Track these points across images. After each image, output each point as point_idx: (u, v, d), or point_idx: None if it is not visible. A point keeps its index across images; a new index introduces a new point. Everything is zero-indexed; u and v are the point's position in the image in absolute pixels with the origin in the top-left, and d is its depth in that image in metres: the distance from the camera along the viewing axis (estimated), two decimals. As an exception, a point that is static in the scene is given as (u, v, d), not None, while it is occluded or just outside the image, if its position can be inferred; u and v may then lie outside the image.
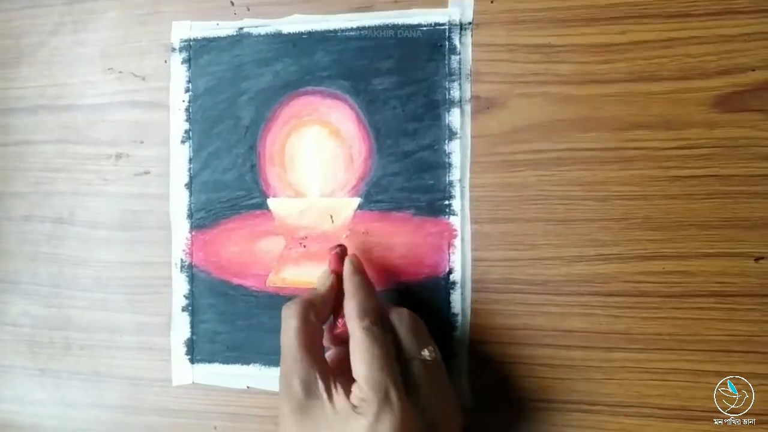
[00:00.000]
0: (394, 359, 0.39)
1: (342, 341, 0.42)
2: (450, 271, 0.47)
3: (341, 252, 0.46)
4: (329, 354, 0.44)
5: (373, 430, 0.37)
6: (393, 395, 0.37)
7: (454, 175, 0.46)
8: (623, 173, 0.44)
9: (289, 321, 0.41)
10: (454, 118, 0.46)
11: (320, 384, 0.39)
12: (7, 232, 0.57)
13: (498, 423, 0.46)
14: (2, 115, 0.57)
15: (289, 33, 0.50)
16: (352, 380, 0.39)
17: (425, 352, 0.41)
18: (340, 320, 0.43)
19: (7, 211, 0.57)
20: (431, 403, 0.39)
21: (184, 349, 0.52)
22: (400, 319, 0.42)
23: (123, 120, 0.54)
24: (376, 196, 0.48)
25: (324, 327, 0.44)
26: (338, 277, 0.44)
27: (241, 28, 0.51)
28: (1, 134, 0.57)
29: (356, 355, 0.39)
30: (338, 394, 0.39)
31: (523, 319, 0.46)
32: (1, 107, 0.57)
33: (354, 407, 0.38)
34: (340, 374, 0.40)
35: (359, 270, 0.44)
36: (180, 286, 0.52)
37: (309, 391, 0.39)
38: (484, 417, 0.46)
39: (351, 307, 0.41)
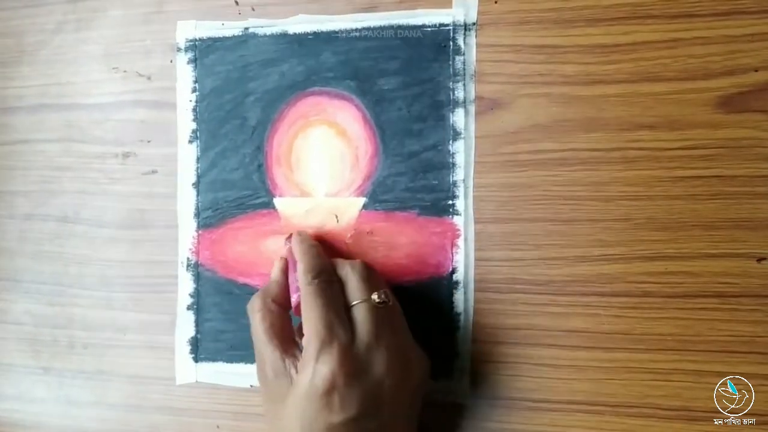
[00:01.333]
0: (341, 307, 0.41)
1: None
2: (453, 271, 0.47)
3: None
4: None
5: (314, 373, 0.38)
6: (332, 338, 0.39)
7: (458, 175, 0.46)
8: (627, 174, 0.44)
9: (252, 315, 0.43)
10: (458, 118, 0.46)
11: (287, 362, 0.41)
12: (9, 230, 0.57)
13: (500, 422, 0.46)
14: (4, 114, 0.57)
15: (295, 33, 0.50)
16: None
17: (374, 296, 0.42)
18: (294, 295, 0.44)
19: (9, 209, 0.57)
20: (384, 347, 0.40)
21: (189, 348, 0.52)
22: (353, 267, 0.43)
23: (129, 119, 0.54)
24: (381, 195, 0.48)
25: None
26: (287, 260, 0.47)
27: (246, 29, 0.51)
28: (3, 133, 0.57)
29: (303, 312, 0.41)
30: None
31: (526, 318, 0.46)
32: (2, 106, 0.57)
33: (303, 359, 0.39)
34: None
35: (304, 237, 0.46)
36: (186, 284, 0.52)
37: (277, 373, 0.41)
38: (487, 416, 0.47)
39: (298, 270, 0.43)
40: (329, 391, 0.37)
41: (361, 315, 0.41)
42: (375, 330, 0.40)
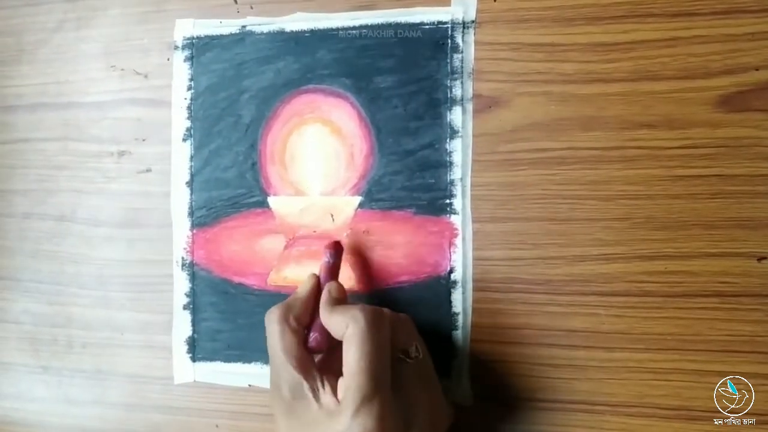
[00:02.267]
0: (388, 358, 0.39)
1: (321, 350, 0.43)
2: (451, 271, 0.47)
3: (334, 251, 0.45)
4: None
5: (353, 422, 0.37)
6: (376, 390, 0.37)
7: (456, 173, 0.46)
8: (626, 173, 0.44)
9: (271, 327, 0.42)
10: (455, 116, 0.46)
11: (305, 384, 0.40)
12: (7, 229, 0.57)
13: (499, 423, 0.46)
14: (3, 112, 0.57)
15: (292, 31, 0.49)
16: (340, 377, 0.39)
17: (412, 349, 0.41)
18: (313, 334, 0.43)
19: (8, 208, 0.57)
20: (416, 402, 0.40)
21: (186, 348, 0.52)
22: (395, 318, 0.42)
23: (125, 117, 0.54)
24: (377, 194, 0.48)
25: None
26: (318, 280, 0.45)
27: (243, 26, 0.50)
28: (2, 132, 0.57)
29: (348, 351, 0.39)
30: (325, 392, 0.39)
31: (525, 318, 0.46)
32: (1, 105, 0.57)
33: (338, 402, 0.38)
34: (327, 372, 0.40)
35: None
36: (181, 284, 0.52)
37: (295, 392, 0.40)
38: (486, 416, 0.46)
39: (338, 314, 0.41)
40: None
41: (401, 370, 0.40)
42: (414, 388, 0.40)
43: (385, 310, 0.41)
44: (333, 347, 0.42)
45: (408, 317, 0.43)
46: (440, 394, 0.43)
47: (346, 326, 0.39)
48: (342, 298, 0.44)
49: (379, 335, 0.39)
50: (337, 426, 0.37)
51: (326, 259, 0.45)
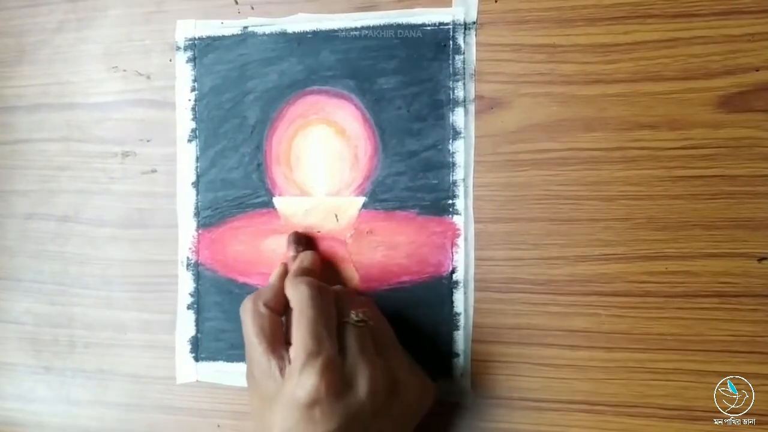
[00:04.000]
0: (333, 320, 0.41)
1: None
2: (453, 271, 0.47)
3: (296, 243, 0.48)
4: None
5: (297, 383, 0.38)
6: (320, 349, 0.39)
7: (458, 174, 0.46)
8: (627, 173, 0.44)
9: (243, 316, 0.43)
10: (458, 117, 0.46)
11: (273, 364, 0.40)
12: (9, 229, 0.57)
13: (500, 422, 0.46)
14: (4, 113, 0.57)
15: (294, 32, 0.50)
16: None
17: (353, 315, 0.42)
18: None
19: (9, 208, 0.57)
20: (365, 367, 0.40)
21: (189, 347, 0.52)
22: (338, 289, 0.45)
23: (129, 118, 0.54)
24: (381, 195, 0.48)
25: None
26: (286, 267, 0.47)
27: (245, 27, 0.51)
28: (3, 132, 0.57)
29: (294, 317, 0.41)
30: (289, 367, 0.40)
31: (526, 318, 0.46)
32: (2, 105, 0.57)
33: (290, 367, 0.39)
34: None
35: (304, 246, 0.49)
36: (186, 284, 0.52)
37: (263, 374, 0.40)
38: (487, 416, 0.47)
39: (290, 273, 0.44)
40: (311, 403, 0.37)
41: (348, 333, 0.41)
42: (360, 348, 0.41)
43: (334, 287, 0.44)
44: None
45: (352, 289, 0.47)
46: (408, 368, 0.43)
47: (292, 296, 0.42)
48: (313, 269, 0.46)
49: (320, 300, 0.41)
50: (288, 387, 0.38)
51: (291, 254, 0.48)
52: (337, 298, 0.43)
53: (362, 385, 0.39)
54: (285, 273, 0.46)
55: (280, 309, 0.43)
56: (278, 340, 0.42)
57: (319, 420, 0.38)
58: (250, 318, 0.42)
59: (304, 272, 0.45)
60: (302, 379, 0.38)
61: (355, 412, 0.39)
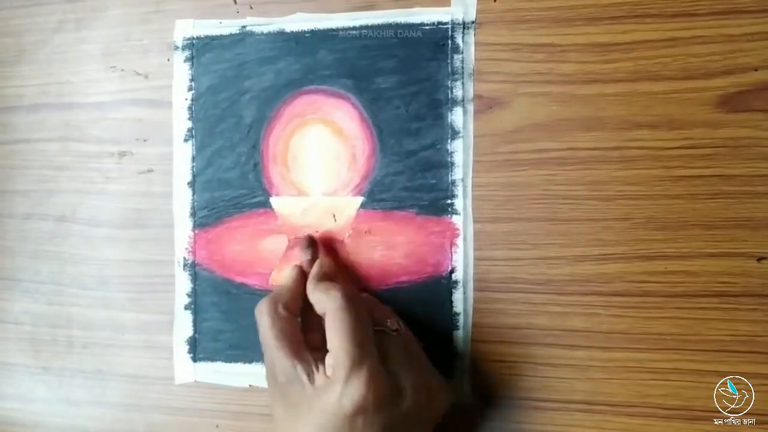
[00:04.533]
0: (371, 327, 0.41)
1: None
2: (452, 271, 0.47)
3: (309, 247, 0.47)
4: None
5: (343, 393, 0.37)
6: (364, 356, 0.38)
7: (457, 174, 0.46)
8: (626, 173, 0.44)
9: (261, 319, 0.42)
10: (456, 117, 0.46)
11: (299, 368, 0.40)
12: (8, 229, 0.57)
13: (500, 422, 0.46)
14: (3, 113, 0.57)
15: (292, 31, 0.49)
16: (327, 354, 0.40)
17: (390, 322, 0.42)
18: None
19: (8, 208, 0.57)
20: (404, 374, 0.40)
21: (187, 348, 0.52)
22: (366, 296, 0.45)
23: (126, 118, 0.54)
24: (379, 195, 0.48)
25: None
26: (302, 269, 0.46)
27: (244, 27, 0.50)
28: (2, 132, 0.57)
29: (331, 325, 0.40)
30: (318, 373, 0.40)
31: (526, 318, 0.46)
32: (2, 105, 0.57)
33: (327, 378, 0.39)
34: (320, 356, 0.41)
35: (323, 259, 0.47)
36: (183, 284, 0.52)
37: (289, 378, 0.40)
38: (486, 416, 0.46)
39: (318, 292, 0.42)
40: (356, 413, 0.37)
41: (384, 341, 0.41)
42: (399, 357, 0.40)
43: (364, 295, 0.45)
44: (319, 327, 0.42)
45: (377, 299, 0.46)
46: (432, 373, 0.43)
47: (324, 306, 0.41)
48: (330, 273, 0.45)
49: (357, 308, 0.40)
50: (330, 398, 0.38)
51: (306, 258, 0.47)
52: (367, 303, 0.43)
53: (407, 394, 0.39)
54: (301, 276, 0.45)
55: (298, 312, 0.43)
56: (300, 343, 0.41)
57: (361, 429, 0.37)
58: (268, 320, 0.41)
59: (326, 277, 0.45)
60: (348, 389, 0.37)
61: (397, 422, 0.38)
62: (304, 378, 0.39)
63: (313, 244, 0.48)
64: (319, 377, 0.39)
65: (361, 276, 0.48)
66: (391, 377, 0.39)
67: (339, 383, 0.37)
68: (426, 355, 0.44)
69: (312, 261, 0.46)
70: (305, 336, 0.43)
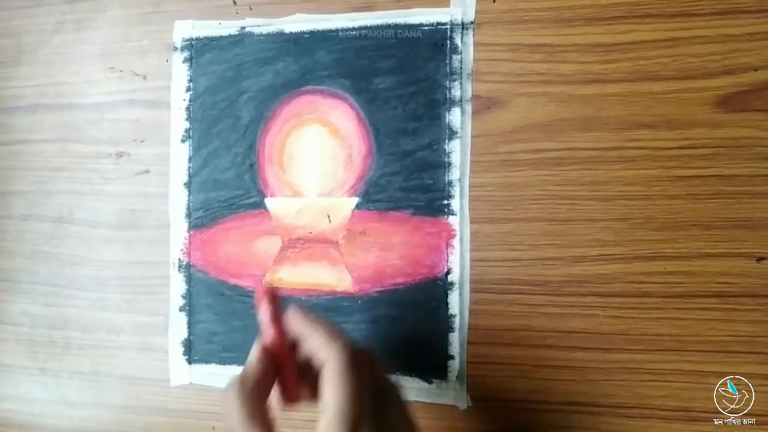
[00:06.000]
0: (368, 391, 0.37)
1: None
2: (448, 272, 0.46)
3: (271, 297, 0.40)
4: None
5: None
6: (361, 422, 0.35)
7: (454, 174, 0.46)
8: (625, 173, 0.44)
9: (228, 404, 0.37)
10: (454, 117, 0.46)
11: None
12: (6, 230, 0.57)
13: (497, 425, 0.46)
14: (2, 113, 0.57)
15: (291, 32, 0.49)
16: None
17: (386, 385, 0.39)
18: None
19: (7, 209, 0.57)
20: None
21: (182, 350, 0.52)
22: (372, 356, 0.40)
23: (123, 119, 0.54)
24: (375, 195, 0.48)
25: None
26: (266, 348, 0.39)
27: (243, 28, 0.50)
28: (1, 133, 0.57)
29: (329, 384, 0.36)
30: None
31: (523, 320, 0.45)
32: (1, 106, 0.57)
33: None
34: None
35: (302, 308, 0.40)
36: (178, 285, 0.52)
37: None
38: (483, 419, 0.46)
39: (317, 339, 0.38)
40: None
41: (385, 403, 0.38)
42: (399, 421, 0.38)
43: (367, 348, 0.39)
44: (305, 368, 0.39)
45: (372, 350, 0.40)
46: (413, 420, 0.40)
47: (325, 356, 0.37)
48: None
49: (362, 365, 0.37)
50: None
51: (265, 309, 0.40)
52: (371, 365, 0.38)
53: None
54: (264, 354, 0.39)
55: (266, 393, 0.39)
56: (271, 423, 0.37)
57: None
58: (237, 405, 0.37)
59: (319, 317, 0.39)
60: None
61: None
62: None
63: (274, 295, 0.41)
64: None
65: (355, 278, 0.48)
66: None
67: None
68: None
69: (274, 313, 0.40)
70: (283, 374, 0.39)
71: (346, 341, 0.37)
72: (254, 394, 0.37)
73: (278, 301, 0.40)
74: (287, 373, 0.39)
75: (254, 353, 0.39)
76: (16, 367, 0.57)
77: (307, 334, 0.38)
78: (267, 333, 0.39)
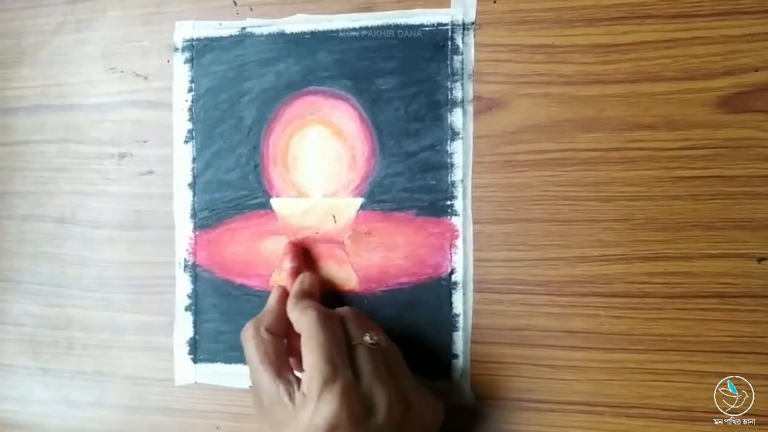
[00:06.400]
0: (344, 344, 0.41)
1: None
2: (452, 272, 0.47)
3: (293, 254, 0.49)
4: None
5: (315, 410, 0.37)
6: (336, 373, 0.38)
7: (457, 175, 0.46)
8: (627, 174, 0.44)
9: (245, 343, 0.43)
10: (456, 118, 0.46)
11: (281, 389, 0.40)
12: (7, 231, 0.57)
13: (500, 424, 0.46)
14: (3, 114, 0.57)
15: (292, 33, 0.49)
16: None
17: (366, 337, 0.42)
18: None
19: (8, 210, 0.57)
20: (381, 389, 0.39)
21: (187, 349, 0.52)
22: (344, 310, 0.44)
23: (126, 120, 0.54)
24: (379, 196, 0.48)
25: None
26: (284, 289, 0.47)
27: (243, 28, 0.50)
28: (2, 134, 0.57)
29: (305, 344, 0.40)
30: (299, 392, 0.40)
31: (525, 319, 0.46)
32: (2, 107, 0.57)
33: (304, 396, 0.39)
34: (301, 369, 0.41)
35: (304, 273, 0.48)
36: (183, 285, 0.52)
37: (273, 400, 0.40)
38: (486, 418, 0.46)
39: (294, 298, 0.44)
40: (330, 430, 0.37)
41: (360, 356, 0.41)
42: (375, 371, 0.40)
43: (339, 309, 0.45)
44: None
45: (359, 311, 0.46)
46: (413, 385, 0.43)
47: (302, 321, 0.41)
48: (312, 291, 0.46)
49: (330, 324, 0.41)
50: (305, 415, 0.38)
51: (289, 264, 0.48)
52: (343, 320, 0.43)
53: (380, 409, 0.39)
54: (284, 295, 0.46)
55: (283, 333, 0.43)
56: (284, 364, 0.42)
57: None
58: (253, 344, 0.42)
59: (305, 294, 0.45)
60: (321, 406, 0.37)
61: None
62: (286, 398, 0.40)
63: (294, 252, 0.48)
64: (298, 396, 0.39)
65: (360, 277, 0.48)
66: (366, 392, 0.39)
67: (312, 401, 0.38)
68: (412, 374, 0.44)
69: (296, 270, 0.47)
70: (293, 356, 0.43)
71: (316, 308, 0.42)
72: (269, 335, 0.42)
73: (301, 257, 0.49)
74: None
75: (274, 296, 0.46)
76: (18, 367, 0.57)
77: (290, 314, 0.43)
78: (286, 283, 0.47)
